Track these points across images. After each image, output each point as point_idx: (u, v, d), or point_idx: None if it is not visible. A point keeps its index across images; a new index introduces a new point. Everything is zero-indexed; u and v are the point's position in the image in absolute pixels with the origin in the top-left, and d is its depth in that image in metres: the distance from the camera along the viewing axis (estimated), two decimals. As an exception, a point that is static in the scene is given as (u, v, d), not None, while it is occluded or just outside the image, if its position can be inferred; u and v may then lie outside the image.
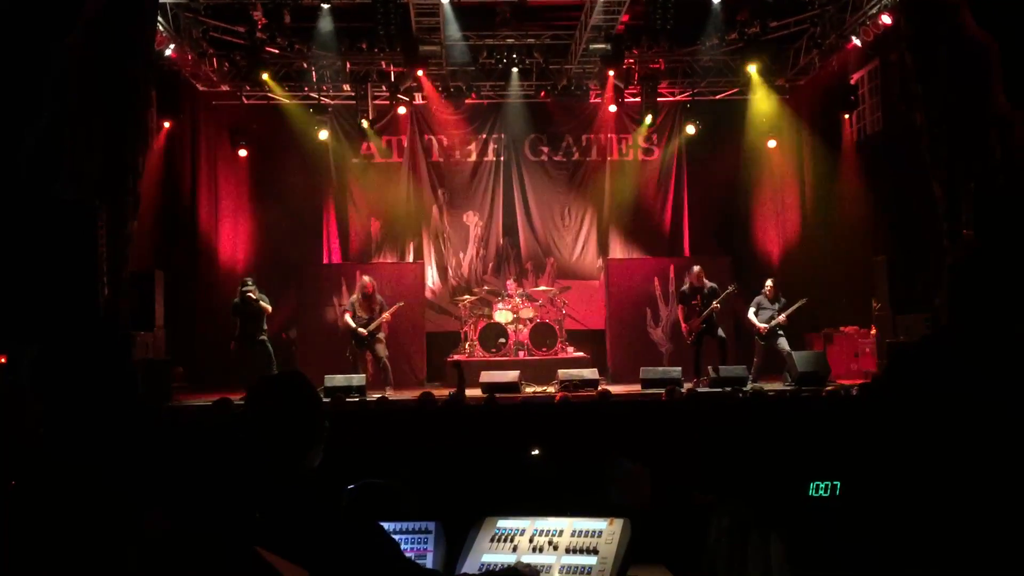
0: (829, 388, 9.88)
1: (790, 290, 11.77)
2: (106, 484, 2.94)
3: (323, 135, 14.40)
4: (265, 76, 13.26)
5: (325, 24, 12.44)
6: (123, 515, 2.68)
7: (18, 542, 2.83)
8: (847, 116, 13.43)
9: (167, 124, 12.97)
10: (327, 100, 14.51)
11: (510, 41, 13.40)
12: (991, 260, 7.82)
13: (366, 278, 11.55)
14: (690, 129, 14.76)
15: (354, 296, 11.56)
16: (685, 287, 11.46)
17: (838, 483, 2.69)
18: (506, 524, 2.82)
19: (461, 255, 15.02)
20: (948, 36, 8.65)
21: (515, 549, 2.74)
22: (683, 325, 11.41)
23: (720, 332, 11.22)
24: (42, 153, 7.74)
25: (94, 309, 7.90)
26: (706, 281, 11.23)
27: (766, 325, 11.13)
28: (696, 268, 11.42)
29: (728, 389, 9.85)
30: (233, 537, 1.90)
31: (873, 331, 11.50)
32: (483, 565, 2.69)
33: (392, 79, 14.01)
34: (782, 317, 11.13)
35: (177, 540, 2.03)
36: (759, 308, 11.32)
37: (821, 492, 2.73)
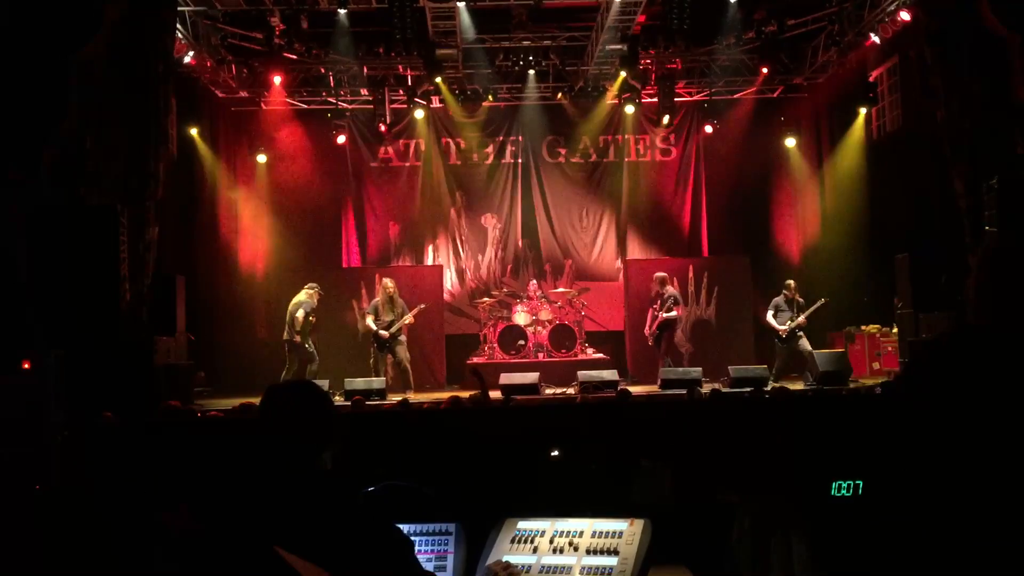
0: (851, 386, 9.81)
1: (811, 289, 11.67)
2: (128, 485, 2.96)
3: (341, 139, 14.49)
4: (276, 81, 13.32)
5: (342, 29, 12.51)
6: (146, 516, 2.70)
7: (43, 544, 2.85)
8: (866, 113, 13.33)
9: (194, 131, 13.10)
10: (345, 105, 14.58)
11: (526, 43, 13.40)
12: (1015, 255, 7.73)
13: (387, 281, 11.55)
14: (708, 129, 14.74)
15: (376, 299, 11.57)
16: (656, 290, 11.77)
17: (861, 482, 2.67)
18: (526, 525, 2.82)
19: (479, 257, 15.04)
20: (968, 31, 8.58)
21: (535, 550, 2.73)
22: (648, 325, 11.77)
23: (663, 341, 11.61)
24: (65, 160, 7.82)
25: (116, 314, 7.97)
26: (668, 289, 11.68)
27: (785, 328, 11.02)
28: (659, 274, 11.83)
29: (749, 389, 9.80)
30: (253, 537, 1.91)
31: (895, 330, 11.39)
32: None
33: (409, 83, 14.05)
34: (802, 319, 10.99)
35: (199, 540, 2.04)
36: (777, 310, 11.21)
37: (844, 492, 2.70)
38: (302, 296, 11.42)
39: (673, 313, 11.57)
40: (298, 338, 11.25)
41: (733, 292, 13.47)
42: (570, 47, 13.67)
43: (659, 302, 11.61)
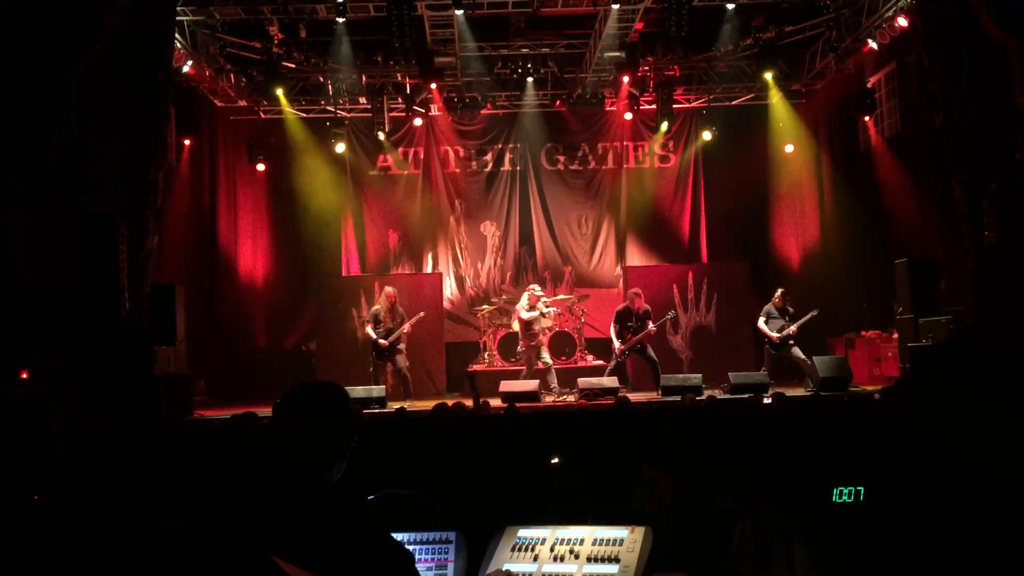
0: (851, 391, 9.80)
1: (810, 295, 11.65)
2: (129, 493, 2.95)
3: (340, 148, 14.50)
4: (279, 92, 13.34)
5: (340, 38, 12.53)
6: (146, 524, 2.69)
7: (43, 551, 2.84)
8: (865, 119, 13.35)
9: (187, 142, 13.10)
10: (344, 113, 14.60)
11: (525, 51, 13.43)
12: (1015, 261, 7.73)
13: (389, 289, 11.50)
14: (706, 135, 14.77)
15: (375, 307, 11.54)
16: (624, 307, 11.56)
17: (862, 489, 2.66)
18: (527, 533, 2.81)
19: (479, 265, 15.04)
20: (966, 37, 8.59)
21: (536, 558, 2.72)
22: (616, 343, 11.47)
23: (651, 354, 11.41)
24: (65, 169, 7.83)
25: (116, 323, 7.97)
26: (642, 305, 11.41)
27: (778, 335, 10.99)
28: (635, 290, 11.63)
29: (749, 395, 9.79)
30: (252, 546, 1.90)
31: (895, 335, 11.38)
32: None
33: (408, 91, 14.07)
34: (793, 328, 10.95)
35: (198, 549, 2.03)
36: (769, 318, 11.17)
37: (845, 498, 2.70)
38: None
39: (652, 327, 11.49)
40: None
41: (732, 298, 13.46)
42: (568, 55, 13.69)
43: (634, 319, 11.37)
